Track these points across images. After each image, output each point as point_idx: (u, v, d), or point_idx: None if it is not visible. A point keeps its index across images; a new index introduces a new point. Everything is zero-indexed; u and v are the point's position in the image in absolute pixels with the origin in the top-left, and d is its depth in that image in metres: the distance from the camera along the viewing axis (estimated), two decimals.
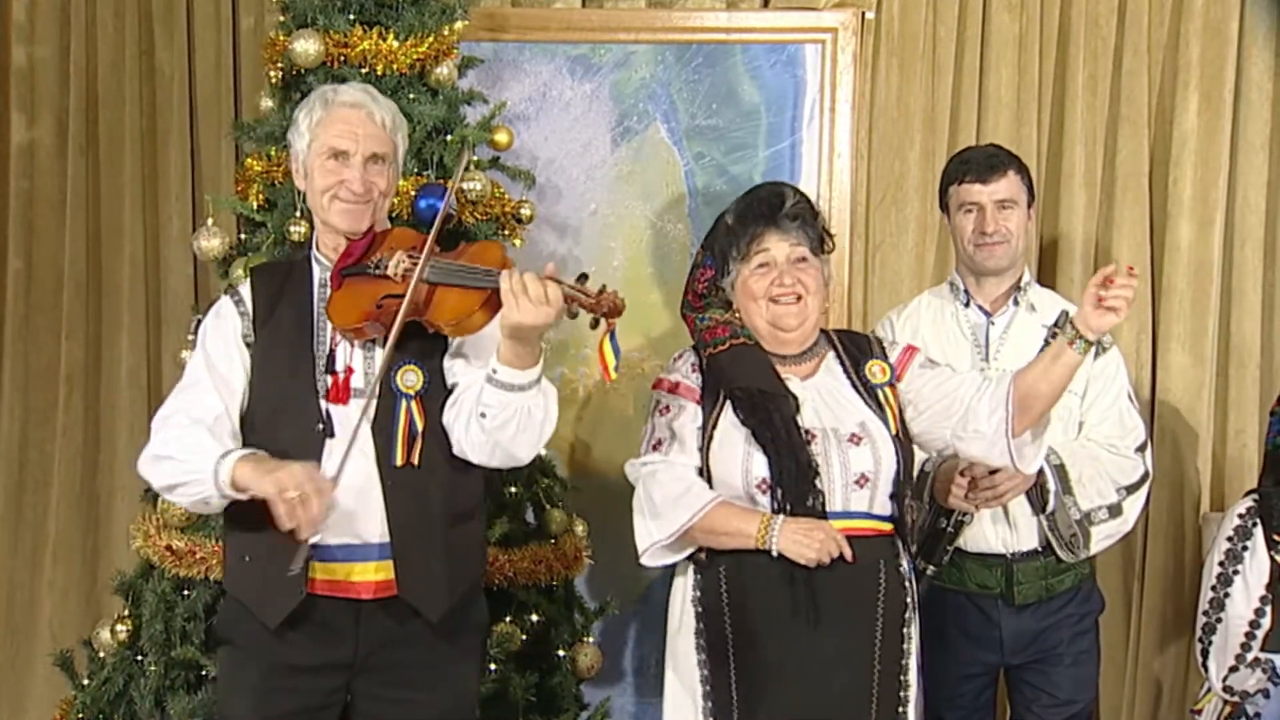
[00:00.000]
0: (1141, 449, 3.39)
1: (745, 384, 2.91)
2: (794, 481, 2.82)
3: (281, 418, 2.79)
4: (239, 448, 2.76)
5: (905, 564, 2.93)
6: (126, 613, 3.48)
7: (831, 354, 3.01)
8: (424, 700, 2.86)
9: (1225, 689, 3.49)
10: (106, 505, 4.49)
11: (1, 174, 4.48)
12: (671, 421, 2.95)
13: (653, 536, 2.87)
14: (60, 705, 3.66)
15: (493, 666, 3.40)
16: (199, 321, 3.41)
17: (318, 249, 2.93)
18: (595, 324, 2.67)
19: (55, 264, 4.46)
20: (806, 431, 2.86)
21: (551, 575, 3.52)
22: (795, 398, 2.90)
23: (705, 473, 2.90)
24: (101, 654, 3.54)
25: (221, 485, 2.68)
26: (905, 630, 2.89)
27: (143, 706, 3.36)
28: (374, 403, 2.76)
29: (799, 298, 2.93)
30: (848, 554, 2.78)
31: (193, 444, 2.74)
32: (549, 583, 3.54)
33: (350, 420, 2.75)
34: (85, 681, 3.54)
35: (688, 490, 2.86)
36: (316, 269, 2.89)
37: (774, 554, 2.79)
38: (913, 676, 2.90)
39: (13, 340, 4.48)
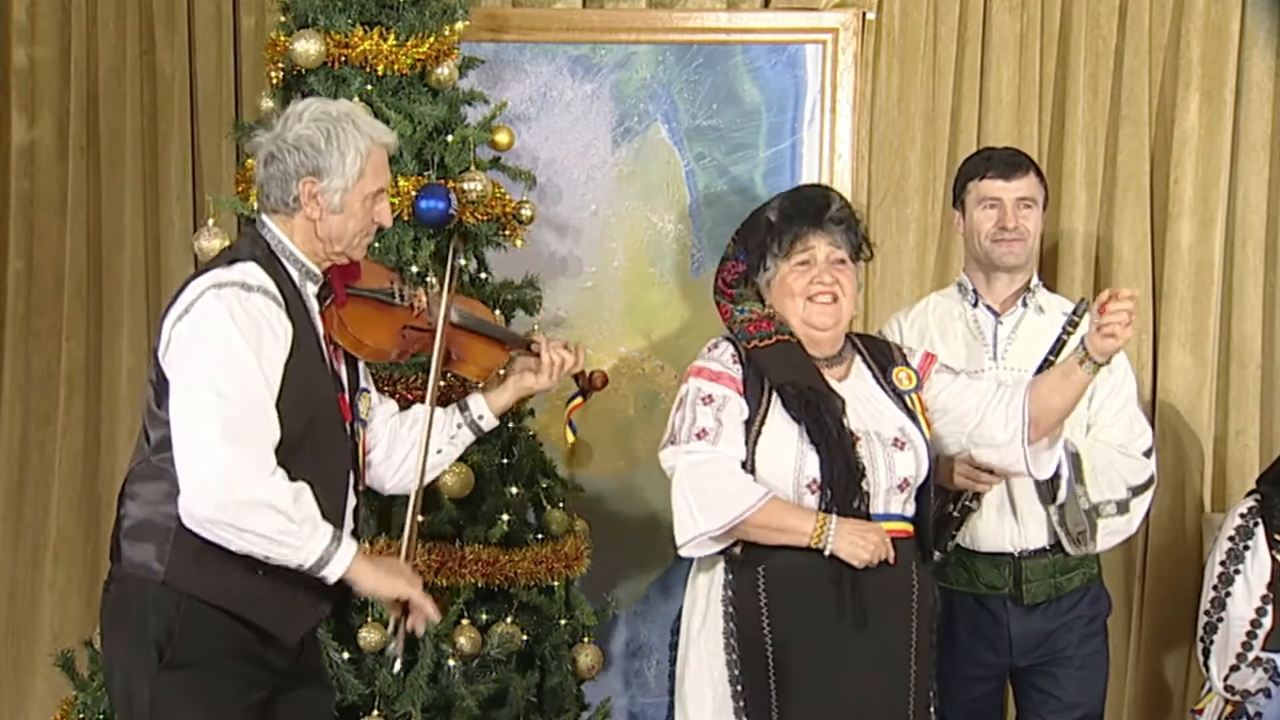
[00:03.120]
0: (1148, 453, 3.40)
1: (796, 381, 2.90)
2: (843, 483, 2.83)
3: (314, 436, 2.64)
4: (337, 528, 2.61)
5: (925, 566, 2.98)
6: None
7: (859, 358, 3.03)
8: (326, 691, 2.93)
9: (1226, 688, 3.49)
10: (107, 506, 4.48)
11: (2, 174, 4.48)
12: (718, 412, 2.89)
13: (700, 527, 2.83)
14: (61, 705, 3.66)
15: (493, 666, 3.40)
16: None
17: (299, 252, 2.70)
18: (585, 396, 3.08)
19: (56, 265, 4.46)
20: (851, 433, 2.88)
21: (551, 575, 3.52)
22: (842, 399, 2.91)
23: (749, 467, 2.87)
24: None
25: (328, 569, 2.56)
26: (933, 637, 2.94)
27: None
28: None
29: (835, 298, 2.94)
30: (892, 557, 2.83)
31: (308, 507, 2.56)
32: (549, 583, 3.54)
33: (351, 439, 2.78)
34: (86, 682, 3.54)
35: (740, 483, 2.84)
36: (295, 273, 2.70)
37: (826, 554, 2.80)
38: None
39: (13, 341, 4.48)
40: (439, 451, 2.93)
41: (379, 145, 2.71)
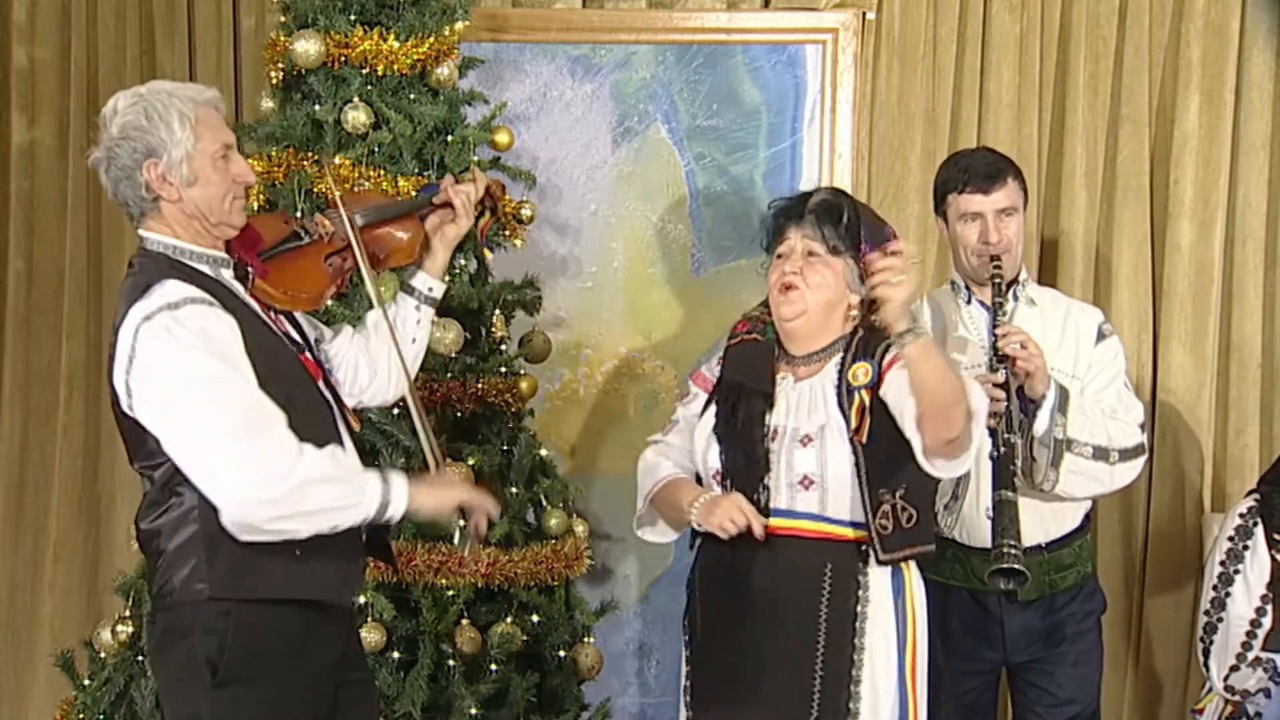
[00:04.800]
0: (1141, 427, 3.39)
1: (731, 377, 3.01)
2: (741, 475, 2.90)
3: (296, 408, 2.58)
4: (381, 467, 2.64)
5: (873, 572, 2.87)
6: (128, 613, 3.48)
7: (839, 357, 2.97)
8: (372, 681, 2.95)
9: (1226, 688, 3.49)
10: (107, 506, 4.49)
11: (2, 174, 4.49)
12: (682, 408, 3.11)
13: (638, 509, 3.07)
14: (61, 705, 3.66)
15: (493, 667, 3.40)
16: None
17: (193, 245, 2.63)
18: (493, 211, 3.08)
19: (56, 264, 4.46)
20: (774, 429, 2.91)
21: (551, 575, 3.52)
22: (770, 396, 2.94)
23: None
24: (102, 654, 3.54)
25: (391, 510, 2.57)
26: (857, 640, 2.86)
27: (143, 707, 3.36)
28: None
29: (793, 287, 2.92)
30: (757, 530, 2.82)
31: (349, 463, 2.59)
32: (549, 583, 3.54)
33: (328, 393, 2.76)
34: (86, 682, 3.54)
35: (656, 466, 3.04)
36: (205, 267, 2.63)
37: (694, 523, 2.91)
38: (869, 688, 2.86)
39: (13, 340, 4.49)
40: (414, 341, 2.93)
41: (202, 104, 2.64)
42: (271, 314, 2.71)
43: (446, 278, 3.00)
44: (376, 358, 2.89)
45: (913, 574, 2.96)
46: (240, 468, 2.46)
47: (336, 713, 2.68)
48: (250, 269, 2.69)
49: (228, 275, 2.67)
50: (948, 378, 2.75)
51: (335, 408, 2.74)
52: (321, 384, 2.74)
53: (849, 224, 2.95)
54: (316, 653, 2.64)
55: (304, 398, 2.65)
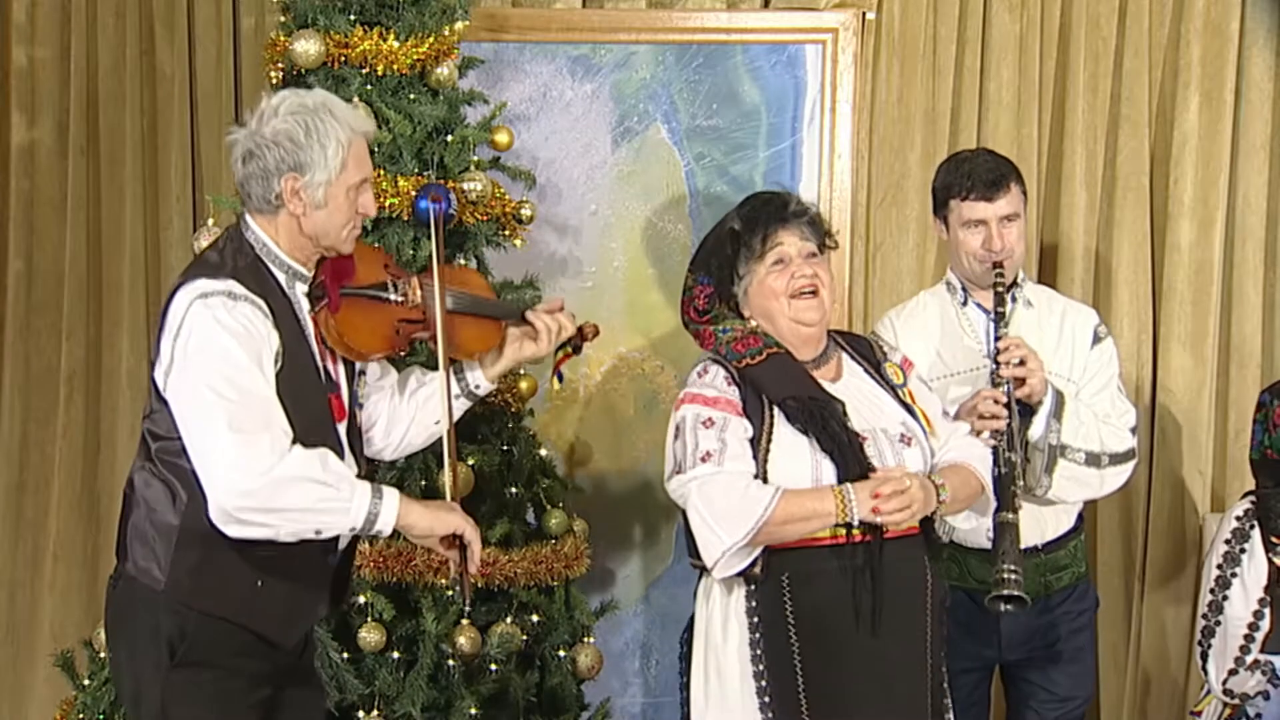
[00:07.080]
0: (1133, 431, 3.40)
1: (795, 393, 2.87)
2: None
3: (306, 441, 2.57)
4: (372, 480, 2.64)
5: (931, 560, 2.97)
6: None
7: (844, 355, 3.02)
8: (320, 692, 2.97)
9: (1225, 691, 3.49)
10: (107, 506, 4.49)
11: (2, 174, 4.48)
12: (721, 433, 2.84)
13: (725, 543, 2.77)
14: (61, 706, 3.67)
15: (493, 667, 3.41)
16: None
17: (284, 254, 2.68)
18: (576, 349, 3.04)
19: (56, 265, 4.46)
20: (857, 434, 2.87)
21: (551, 575, 3.52)
22: (841, 402, 2.89)
23: (763, 482, 2.83)
24: (102, 654, 3.54)
25: (380, 522, 2.55)
26: (944, 629, 2.94)
27: None
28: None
29: (815, 291, 2.93)
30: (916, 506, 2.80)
31: (338, 468, 2.56)
32: (549, 583, 3.54)
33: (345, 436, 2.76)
34: (86, 682, 3.55)
35: (751, 489, 2.78)
36: (282, 276, 2.67)
37: (855, 522, 2.77)
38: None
39: (13, 341, 4.48)
40: (436, 422, 2.89)
41: (359, 135, 2.67)
42: (323, 346, 2.71)
43: (494, 384, 3.00)
44: (394, 423, 2.90)
45: None
46: (227, 452, 2.47)
47: (276, 711, 2.72)
48: (326, 296, 2.70)
49: (300, 289, 2.70)
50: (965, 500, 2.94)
51: (349, 451, 2.74)
52: (342, 427, 2.74)
53: (825, 224, 3.03)
54: (260, 659, 2.67)
55: (318, 440, 2.62)
